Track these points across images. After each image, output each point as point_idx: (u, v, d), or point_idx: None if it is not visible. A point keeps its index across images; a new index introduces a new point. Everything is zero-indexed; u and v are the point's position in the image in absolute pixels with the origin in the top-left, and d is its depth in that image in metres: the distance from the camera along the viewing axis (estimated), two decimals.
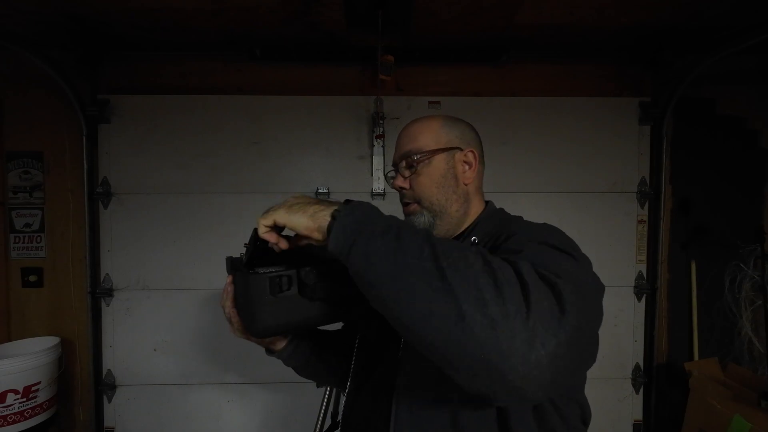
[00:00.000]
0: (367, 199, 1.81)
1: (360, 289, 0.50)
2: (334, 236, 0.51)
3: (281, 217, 0.56)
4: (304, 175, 1.81)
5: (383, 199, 1.80)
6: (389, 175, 0.83)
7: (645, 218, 1.87)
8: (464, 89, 1.83)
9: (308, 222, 0.54)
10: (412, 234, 0.48)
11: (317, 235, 0.54)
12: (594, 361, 0.53)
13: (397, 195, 0.81)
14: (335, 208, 0.54)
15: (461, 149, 0.77)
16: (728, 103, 1.85)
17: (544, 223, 0.67)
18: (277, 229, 0.58)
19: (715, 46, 1.55)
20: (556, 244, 0.55)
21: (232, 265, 0.70)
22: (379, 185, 1.81)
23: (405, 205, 0.79)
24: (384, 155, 1.79)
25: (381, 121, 1.74)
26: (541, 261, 0.49)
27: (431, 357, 0.45)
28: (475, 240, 0.71)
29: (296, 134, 1.80)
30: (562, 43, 1.71)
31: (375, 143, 1.78)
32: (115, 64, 1.76)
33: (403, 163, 0.78)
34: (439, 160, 0.76)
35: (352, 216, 0.51)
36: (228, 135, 1.79)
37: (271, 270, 0.59)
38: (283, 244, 0.60)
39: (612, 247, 1.85)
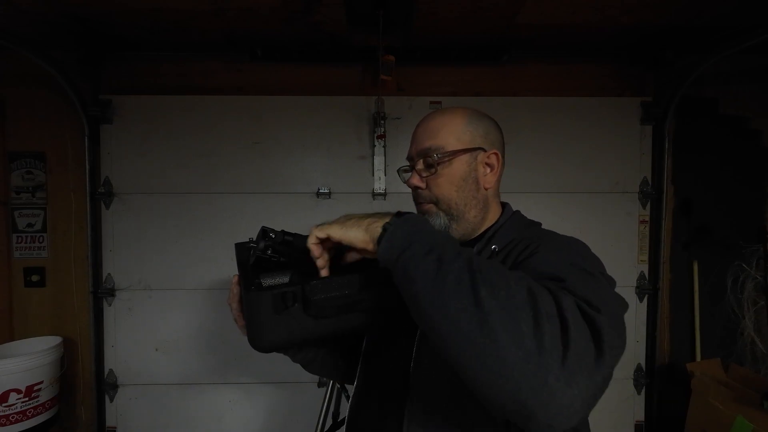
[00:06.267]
0: (367, 199, 1.81)
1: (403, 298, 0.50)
2: (381, 248, 0.52)
3: (336, 232, 0.56)
4: (305, 175, 1.81)
5: (384, 200, 1.79)
6: (402, 170, 0.77)
7: (647, 218, 1.86)
8: (465, 89, 1.83)
9: (364, 235, 0.55)
10: (454, 257, 0.47)
11: (371, 247, 0.54)
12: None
13: (400, 196, 0.79)
14: (386, 220, 0.55)
15: (484, 150, 0.71)
16: (730, 102, 1.85)
17: (570, 238, 0.65)
18: (326, 243, 0.58)
19: (717, 45, 1.55)
20: (590, 269, 0.54)
21: (239, 256, 0.68)
22: (380, 185, 1.80)
23: (419, 204, 0.74)
24: (385, 155, 1.79)
25: (382, 121, 1.75)
26: (582, 293, 0.48)
27: (463, 377, 0.44)
28: (495, 249, 0.68)
29: (297, 134, 1.80)
30: (563, 43, 1.71)
31: (376, 143, 1.78)
32: (116, 64, 1.77)
33: (421, 162, 0.71)
34: (461, 161, 0.70)
35: (401, 230, 0.52)
36: (229, 135, 1.79)
37: (275, 283, 0.57)
38: (322, 262, 0.59)
39: (614, 247, 1.85)
